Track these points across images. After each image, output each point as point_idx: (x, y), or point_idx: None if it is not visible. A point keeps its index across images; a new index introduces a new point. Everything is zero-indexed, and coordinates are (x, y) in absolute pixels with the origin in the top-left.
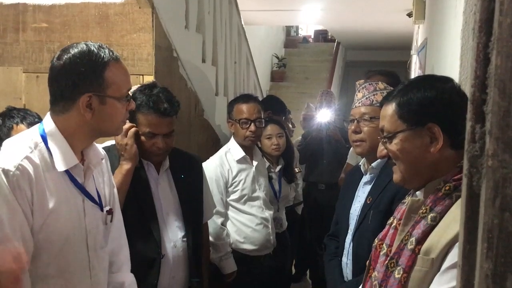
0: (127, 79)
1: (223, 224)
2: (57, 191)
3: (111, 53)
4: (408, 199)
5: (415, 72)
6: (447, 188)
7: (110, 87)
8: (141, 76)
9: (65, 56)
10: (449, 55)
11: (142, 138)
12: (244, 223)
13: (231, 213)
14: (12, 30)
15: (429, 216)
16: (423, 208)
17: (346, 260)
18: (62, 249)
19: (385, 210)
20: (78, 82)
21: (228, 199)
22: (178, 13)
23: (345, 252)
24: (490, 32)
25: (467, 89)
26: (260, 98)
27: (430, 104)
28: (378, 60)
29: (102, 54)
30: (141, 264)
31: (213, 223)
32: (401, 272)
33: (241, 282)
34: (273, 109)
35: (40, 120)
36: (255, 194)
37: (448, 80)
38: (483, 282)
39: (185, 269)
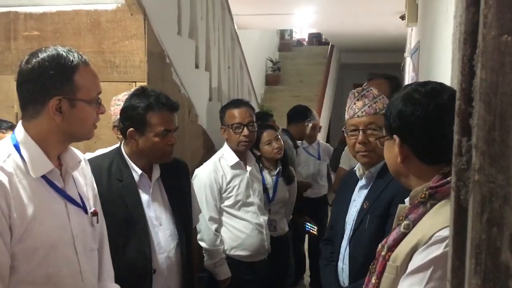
0: (96, 83)
1: (217, 230)
2: (36, 198)
3: (80, 57)
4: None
5: (408, 74)
6: (422, 196)
7: (80, 90)
8: (133, 83)
9: (34, 60)
10: (442, 59)
11: (155, 139)
12: (238, 229)
13: (225, 219)
14: (3, 39)
15: (403, 224)
16: (402, 215)
17: (342, 265)
18: (49, 255)
19: (382, 215)
20: (47, 85)
21: (222, 205)
22: (170, 19)
23: (340, 257)
24: (475, 45)
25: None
26: (255, 103)
27: (398, 117)
28: (373, 63)
29: (71, 58)
30: (133, 279)
31: (207, 229)
32: (375, 278)
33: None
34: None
35: (13, 125)
36: (249, 200)
37: (431, 95)
38: None
39: (179, 277)
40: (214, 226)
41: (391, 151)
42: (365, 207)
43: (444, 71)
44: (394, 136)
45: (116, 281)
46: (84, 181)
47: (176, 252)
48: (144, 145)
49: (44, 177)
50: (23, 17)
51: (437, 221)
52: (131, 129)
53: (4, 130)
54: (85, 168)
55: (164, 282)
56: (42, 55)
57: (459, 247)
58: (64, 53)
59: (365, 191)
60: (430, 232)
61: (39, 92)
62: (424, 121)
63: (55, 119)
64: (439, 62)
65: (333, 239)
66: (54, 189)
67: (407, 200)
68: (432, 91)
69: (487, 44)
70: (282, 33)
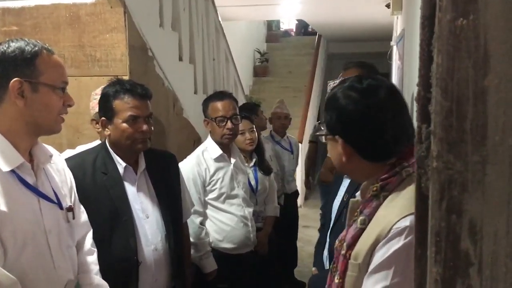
0: (61, 71)
1: (202, 223)
2: (6, 194)
3: (44, 45)
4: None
5: (395, 62)
6: (374, 189)
7: (42, 74)
8: (115, 77)
9: None
10: None
11: (123, 126)
12: (223, 221)
13: (210, 212)
14: None
15: (359, 220)
16: (357, 211)
17: (326, 253)
18: (22, 252)
19: (341, 211)
20: (8, 67)
21: (206, 198)
22: (152, 11)
23: (326, 245)
24: (433, 30)
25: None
26: (241, 95)
27: (337, 118)
28: (360, 52)
29: (33, 44)
30: (119, 272)
31: (192, 222)
32: (338, 278)
33: (223, 280)
34: None
35: None
36: (234, 192)
37: (368, 93)
38: (433, 286)
39: (168, 270)
40: (199, 219)
41: (335, 150)
42: (345, 199)
43: None
44: (336, 136)
45: (103, 274)
46: (59, 178)
47: (164, 245)
48: (114, 133)
49: (14, 173)
50: (1, 12)
51: (392, 213)
52: (103, 118)
53: None
54: (59, 164)
55: (152, 275)
56: (5, 44)
57: (421, 235)
58: (27, 41)
59: (347, 183)
60: (388, 225)
61: (0, 76)
62: (363, 121)
63: (17, 103)
64: None
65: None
66: (25, 185)
67: (358, 194)
68: (368, 88)
69: (443, 28)
70: (269, 24)
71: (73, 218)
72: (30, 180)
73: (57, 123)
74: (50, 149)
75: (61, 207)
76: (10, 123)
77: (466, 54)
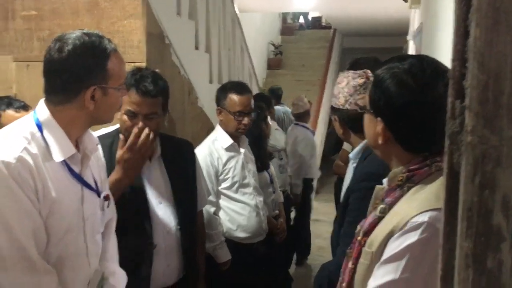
0: (124, 68)
1: (215, 213)
2: (57, 181)
3: (110, 44)
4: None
5: None
6: (399, 178)
7: (112, 78)
8: (132, 64)
9: (67, 48)
10: (445, 40)
11: (124, 118)
12: (236, 211)
13: (223, 202)
14: (1, 18)
15: (379, 208)
16: (379, 199)
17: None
18: (63, 238)
19: (344, 204)
20: (83, 75)
21: (219, 188)
22: None
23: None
24: (470, 4)
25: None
26: (255, 86)
27: (387, 102)
28: (375, 47)
29: (104, 45)
30: (134, 255)
31: (206, 212)
32: (352, 264)
33: (235, 270)
34: None
35: (26, 105)
36: (245, 181)
37: (428, 86)
38: (463, 261)
39: (180, 257)
40: (212, 209)
41: (372, 128)
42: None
43: (447, 53)
44: (378, 118)
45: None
46: (97, 163)
47: (177, 231)
48: (119, 122)
49: (64, 161)
50: None
51: (413, 206)
52: None
53: (18, 110)
54: (100, 150)
55: (165, 260)
56: (74, 43)
57: (451, 212)
58: (97, 41)
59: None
60: (405, 217)
61: (74, 82)
62: (415, 115)
63: (89, 107)
64: (442, 44)
65: None
66: (72, 174)
67: (385, 181)
68: (430, 82)
69: (482, 1)
70: (284, 16)
71: (108, 207)
72: (76, 168)
73: (113, 117)
74: (94, 135)
75: (99, 195)
76: (72, 119)
77: (505, 29)
